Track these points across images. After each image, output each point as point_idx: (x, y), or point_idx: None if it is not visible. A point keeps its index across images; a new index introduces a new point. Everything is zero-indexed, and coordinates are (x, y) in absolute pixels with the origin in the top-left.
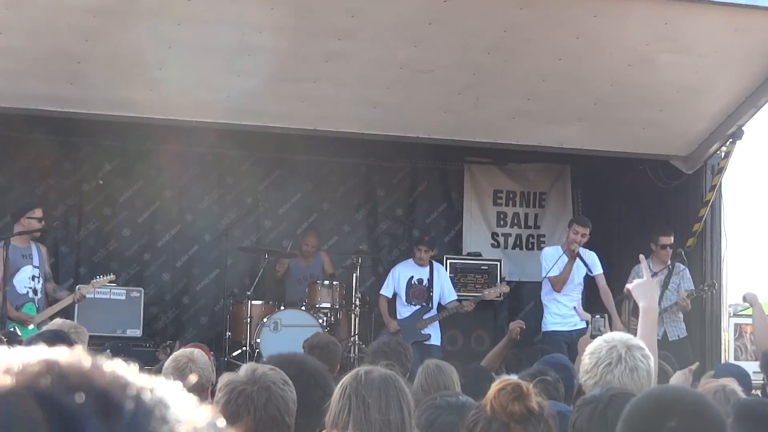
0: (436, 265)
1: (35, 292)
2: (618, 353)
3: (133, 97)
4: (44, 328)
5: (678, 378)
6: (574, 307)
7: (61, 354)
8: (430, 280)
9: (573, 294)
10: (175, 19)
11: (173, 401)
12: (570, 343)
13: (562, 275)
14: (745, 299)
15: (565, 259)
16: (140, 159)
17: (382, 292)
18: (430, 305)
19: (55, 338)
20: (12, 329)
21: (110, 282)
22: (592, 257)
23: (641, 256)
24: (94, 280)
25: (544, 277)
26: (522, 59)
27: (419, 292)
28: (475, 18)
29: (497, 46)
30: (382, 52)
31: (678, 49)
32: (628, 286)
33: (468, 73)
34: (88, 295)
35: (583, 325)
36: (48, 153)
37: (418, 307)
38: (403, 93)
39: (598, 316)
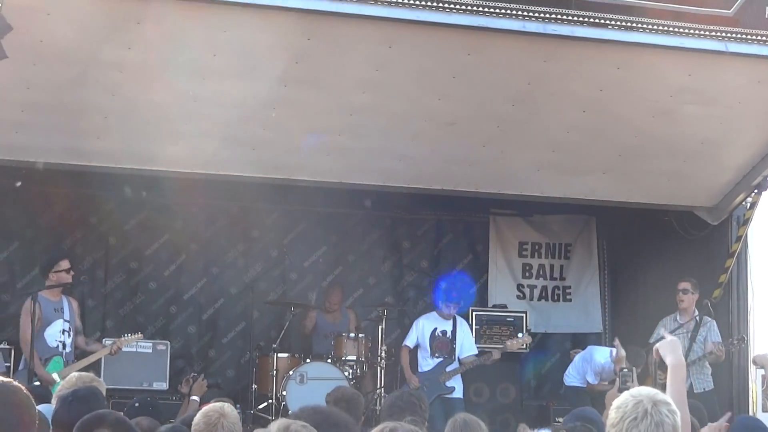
0: (458, 318)
1: (64, 346)
2: (644, 408)
3: (158, 151)
4: (64, 383)
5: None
6: (610, 351)
7: None
8: (453, 332)
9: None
10: (200, 73)
11: None
12: (593, 396)
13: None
14: (755, 362)
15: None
16: (166, 212)
17: (405, 342)
18: (453, 357)
19: (91, 396)
20: (38, 384)
21: (137, 340)
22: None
23: (659, 324)
24: (124, 338)
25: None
26: (546, 111)
27: (443, 344)
28: (499, 70)
29: (521, 98)
30: (406, 105)
31: (702, 101)
32: (656, 346)
33: (492, 125)
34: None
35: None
36: (74, 206)
37: (440, 359)
38: (428, 145)
39: (626, 370)
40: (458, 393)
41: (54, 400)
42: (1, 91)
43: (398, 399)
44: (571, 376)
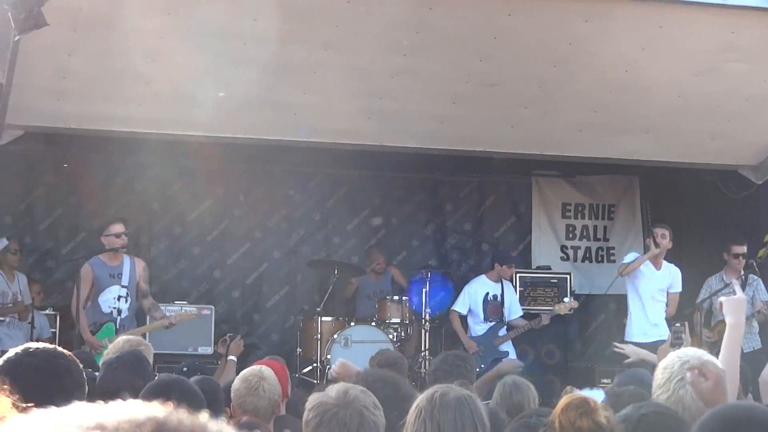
0: (504, 280)
1: (119, 312)
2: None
3: (200, 117)
4: (112, 347)
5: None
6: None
7: (167, 414)
8: (502, 295)
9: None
10: (240, 38)
11: None
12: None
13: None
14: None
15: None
16: (209, 177)
17: (455, 308)
18: (503, 321)
19: (135, 362)
20: (88, 350)
21: (192, 316)
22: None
23: (733, 281)
24: (183, 312)
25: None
26: (588, 71)
27: (495, 308)
28: (540, 32)
29: (562, 59)
30: (447, 67)
31: (745, 58)
32: (721, 299)
33: (534, 87)
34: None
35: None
36: (117, 173)
37: (492, 323)
38: (469, 107)
39: (678, 325)
40: (512, 356)
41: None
42: (43, 58)
43: (443, 362)
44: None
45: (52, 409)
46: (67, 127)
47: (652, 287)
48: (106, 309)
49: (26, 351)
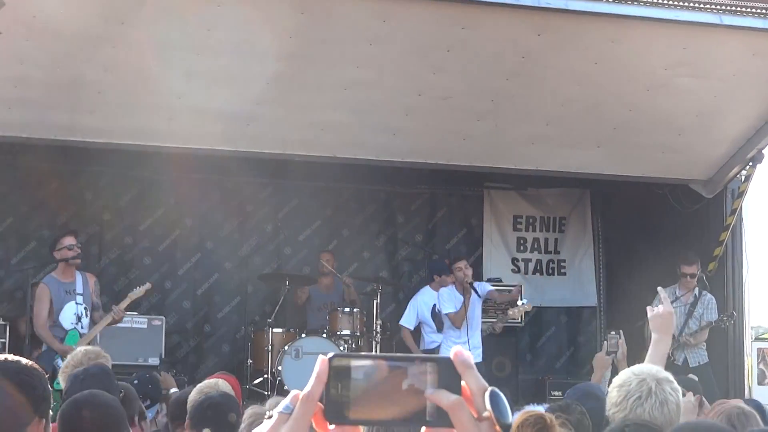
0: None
1: (81, 324)
2: (648, 386)
3: (152, 127)
4: (70, 359)
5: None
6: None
7: None
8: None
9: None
10: (193, 49)
11: None
12: None
13: (459, 312)
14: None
15: (459, 296)
16: (160, 187)
17: (403, 323)
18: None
19: (102, 374)
20: (59, 358)
21: (147, 291)
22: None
23: (659, 289)
24: (131, 293)
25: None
26: (540, 85)
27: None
28: (493, 44)
29: (516, 72)
30: (401, 80)
31: (697, 74)
32: (648, 312)
33: (486, 100)
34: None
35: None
36: (69, 182)
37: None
38: (422, 120)
39: (613, 332)
40: (477, 358)
41: (61, 376)
42: None
43: None
44: None
45: None
46: (19, 136)
47: None
48: (67, 325)
49: None
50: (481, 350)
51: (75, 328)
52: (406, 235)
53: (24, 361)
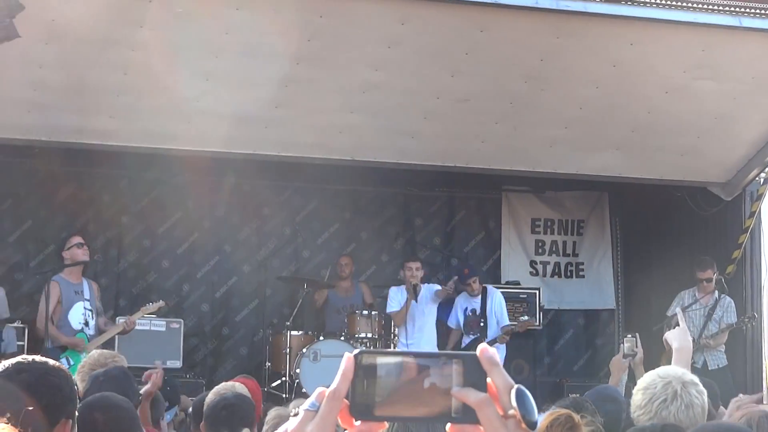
0: (490, 290)
1: (88, 326)
2: (674, 389)
3: (170, 129)
4: (87, 360)
5: None
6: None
7: None
8: (482, 308)
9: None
10: (213, 51)
11: None
12: None
13: (400, 312)
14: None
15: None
16: (179, 191)
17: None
18: (485, 335)
19: (122, 376)
20: (64, 358)
21: (159, 308)
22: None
23: (678, 310)
24: (144, 307)
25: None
26: (559, 88)
27: (474, 322)
28: (512, 47)
29: (534, 74)
30: (419, 82)
31: (715, 76)
32: (665, 335)
33: (505, 102)
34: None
35: None
36: (87, 185)
37: (475, 336)
38: (440, 122)
39: (629, 335)
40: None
41: (78, 376)
42: (14, 70)
43: None
44: None
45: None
46: (38, 139)
47: None
48: (76, 325)
49: (17, 367)
50: None
51: (83, 330)
52: (424, 238)
53: (51, 362)
